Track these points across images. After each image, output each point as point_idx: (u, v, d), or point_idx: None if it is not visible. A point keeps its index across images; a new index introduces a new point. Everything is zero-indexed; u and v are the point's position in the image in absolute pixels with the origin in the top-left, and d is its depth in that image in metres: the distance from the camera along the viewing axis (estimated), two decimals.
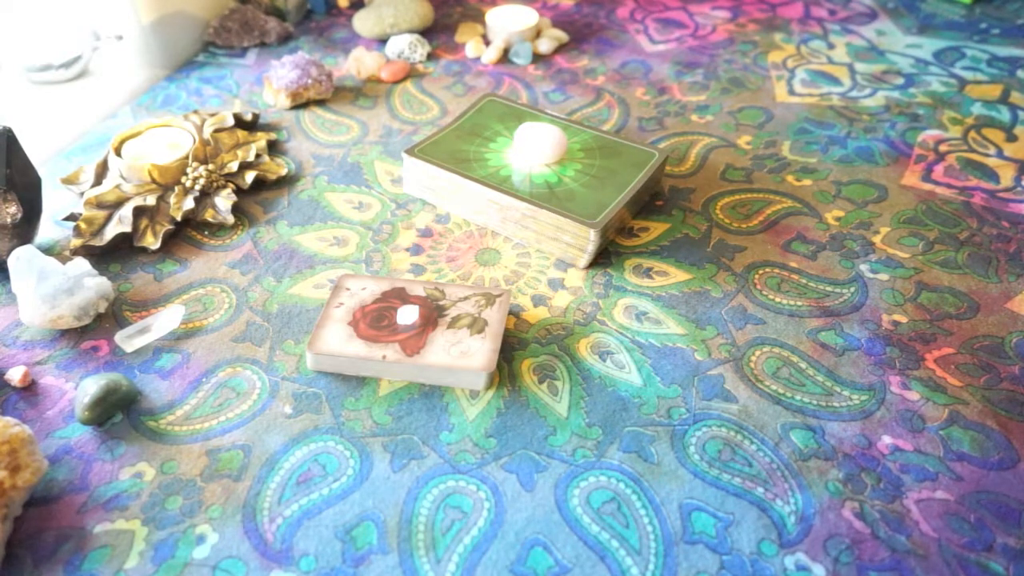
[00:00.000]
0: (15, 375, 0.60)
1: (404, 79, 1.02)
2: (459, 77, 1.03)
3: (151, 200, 0.75)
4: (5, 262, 0.69)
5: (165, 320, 0.65)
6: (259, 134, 0.88)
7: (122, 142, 0.81)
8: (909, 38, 1.15)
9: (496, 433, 0.58)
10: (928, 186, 0.84)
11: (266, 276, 0.71)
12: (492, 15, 1.11)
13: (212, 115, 0.87)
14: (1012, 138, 0.92)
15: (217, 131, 0.84)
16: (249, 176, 0.80)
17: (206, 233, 0.76)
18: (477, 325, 0.63)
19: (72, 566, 0.49)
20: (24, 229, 0.69)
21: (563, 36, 1.10)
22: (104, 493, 0.53)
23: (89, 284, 0.65)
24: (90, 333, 0.65)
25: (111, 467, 0.55)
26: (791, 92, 1.01)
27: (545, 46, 1.08)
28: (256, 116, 0.90)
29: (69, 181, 0.79)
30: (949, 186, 0.84)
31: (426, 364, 0.60)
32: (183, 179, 0.77)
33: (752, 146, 0.90)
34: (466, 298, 0.66)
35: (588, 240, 0.70)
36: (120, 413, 0.58)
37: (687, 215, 0.80)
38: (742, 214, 0.80)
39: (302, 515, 0.52)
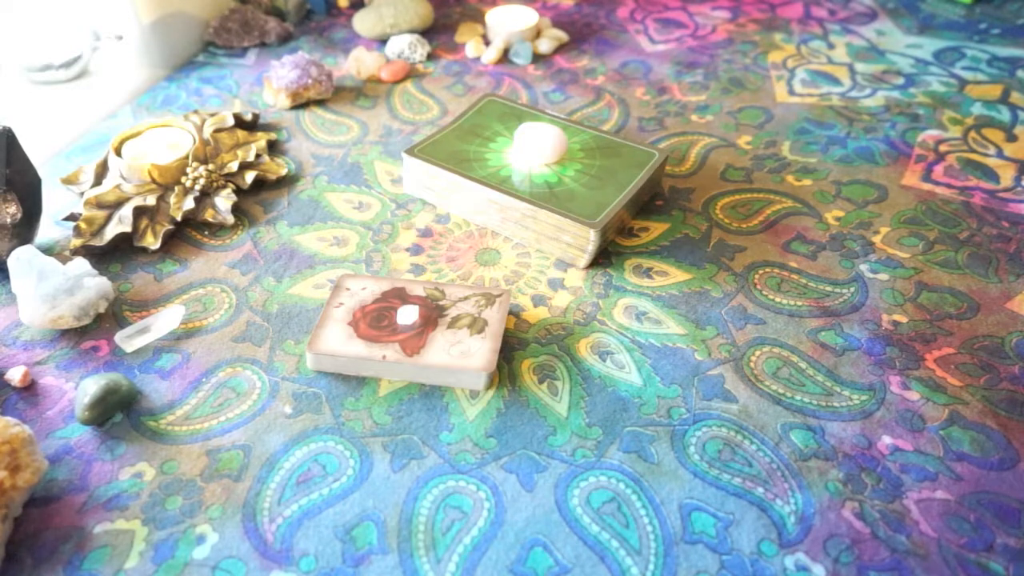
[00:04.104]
0: (15, 375, 0.60)
1: (404, 79, 1.02)
2: (459, 77, 1.03)
3: (151, 200, 0.75)
4: (5, 262, 0.69)
5: (165, 320, 0.65)
6: (259, 134, 0.88)
7: (122, 142, 0.81)
8: (909, 38, 1.15)
9: (496, 433, 0.58)
10: (928, 186, 0.84)
11: (266, 276, 0.71)
12: (492, 15, 1.11)
13: (212, 115, 0.87)
14: (1012, 138, 0.92)
15: (217, 131, 0.84)
16: (249, 176, 0.80)
17: (206, 233, 0.76)
18: (477, 325, 0.63)
19: (72, 566, 0.49)
20: (24, 229, 0.69)
21: (563, 36, 1.10)
22: (104, 493, 0.53)
23: (89, 284, 0.65)
24: (90, 333, 0.65)
25: (111, 467, 0.55)
26: (791, 92, 1.01)
27: (545, 46, 1.08)
28: (256, 116, 0.90)
29: (69, 181, 0.79)
30: (949, 186, 0.84)
31: (426, 364, 0.60)
32: (183, 179, 0.77)
33: (752, 146, 0.90)
34: (466, 298, 0.66)
35: (588, 240, 0.70)
36: (120, 413, 0.58)
37: (687, 215, 0.80)
38: (742, 214, 0.80)
39: (302, 515, 0.52)
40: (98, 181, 0.79)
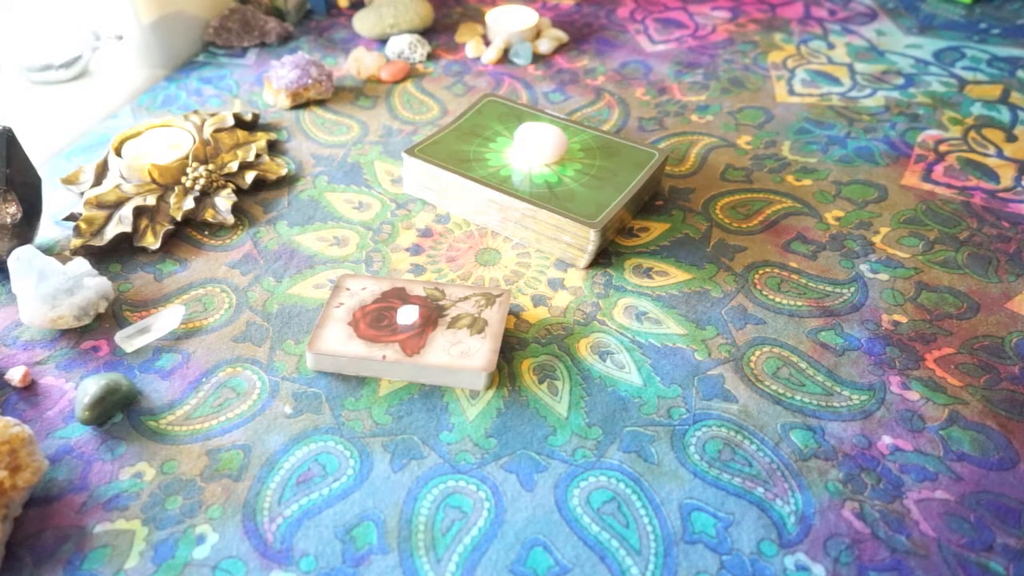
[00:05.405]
0: (15, 375, 0.60)
1: (404, 79, 1.02)
2: (459, 77, 1.03)
3: (151, 200, 0.75)
4: (5, 262, 0.69)
5: (165, 320, 0.65)
6: (259, 134, 0.88)
7: (122, 142, 0.81)
8: (909, 38, 1.15)
9: (496, 433, 0.58)
10: (928, 186, 0.84)
11: (266, 276, 0.71)
12: (492, 15, 1.11)
13: (212, 115, 0.87)
14: (1012, 138, 0.92)
15: (217, 131, 0.84)
16: (249, 176, 0.80)
17: (206, 233, 0.76)
18: (477, 325, 0.63)
19: (72, 566, 0.49)
20: (24, 229, 0.69)
21: (563, 36, 1.10)
22: (104, 493, 0.53)
23: (89, 284, 0.65)
24: (90, 333, 0.65)
25: (111, 467, 0.55)
26: (791, 92, 1.01)
27: (545, 46, 1.08)
28: (256, 116, 0.90)
29: (69, 181, 0.79)
30: (949, 186, 0.84)
31: (426, 364, 0.60)
32: (183, 179, 0.77)
33: (752, 146, 0.90)
34: (466, 298, 0.66)
35: (588, 240, 0.70)
36: (120, 413, 0.59)
37: (687, 215, 0.80)
38: (742, 214, 0.80)
39: (302, 515, 0.52)
40: (98, 181, 0.79)
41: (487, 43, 1.11)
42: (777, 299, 0.70)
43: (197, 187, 0.77)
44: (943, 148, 0.90)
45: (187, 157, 0.79)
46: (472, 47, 1.07)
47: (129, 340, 0.63)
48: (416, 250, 0.75)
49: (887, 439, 0.58)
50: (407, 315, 0.63)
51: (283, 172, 0.83)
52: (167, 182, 0.77)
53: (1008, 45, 1.13)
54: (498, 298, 0.66)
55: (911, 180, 0.85)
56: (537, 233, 0.74)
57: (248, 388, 0.61)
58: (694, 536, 0.51)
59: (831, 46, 1.12)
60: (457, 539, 0.51)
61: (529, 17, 1.10)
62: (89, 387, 0.57)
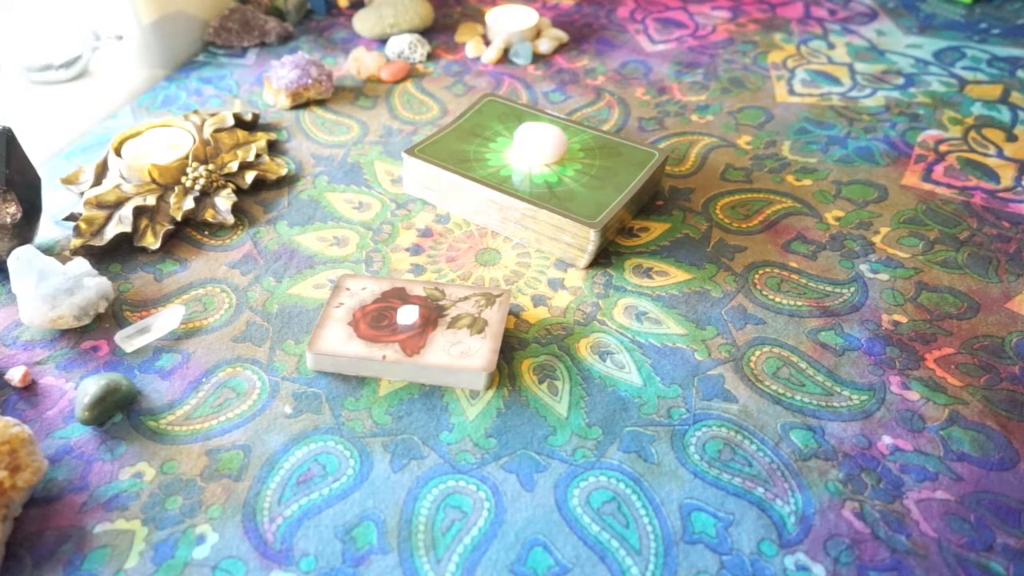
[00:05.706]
0: (15, 375, 0.60)
1: (404, 79, 1.02)
2: (459, 77, 1.03)
3: (151, 200, 0.75)
4: (5, 262, 0.69)
5: (165, 320, 0.65)
6: (259, 134, 0.88)
7: (122, 142, 0.81)
8: (909, 38, 1.15)
9: (496, 433, 0.58)
10: (928, 186, 0.84)
11: (266, 276, 0.71)
12: (492, 15, 1.11)
13: (212, 115, 0.87)
14: (1012, 138, 0.92)
15: (217, 131, 0.84)
16: (249, 176, 0.80)
17: (206, 233, 0.76)
18: (477, 325, 0.63)
19: (72, 566, 0.49)
20: (24, 229, 0.69)
21: (563, 36, 1.10)
22: (104, 493, 0.53)
23: (89, 284, 0.65)
24: (90, 333, 0.65)
25: (111, 467, 0.55)
26: (791, 92, 1.01)
27: (545, 46, 1.08)
28: (256, 116, 0.90)
29: (69, 181, 0.79)
30: (949, 186, 0.84)
31: (426, 364, 0.60)
32: (183, 179, 0.77)
33: (752, 146, 0.90)
34: (466, 298, 0.66)
35: (588, 240, 0.70)
36: (120, 413, 0.59)
37: (687, 215, 0.80)
38: (742, 214, 0.80)
39: (302, 515, 0.52)
40: (98, 181, 0.79)
41: (487, 43, 1.11)
42: (777, 299, 0.70)
43: (197, 187, 0.77)
44: (943, 148, 0.90)
45: (187, 157, 0.79)
46: (472, 47, 1.07)
47: (129, 340, 0.63)
48: (416, 250, 0.75)
49: (887, 439, 0.58)
50: (407, 315, 0.63)
51: (283, 172, 0.83)
52: (167, 182, 0.77)
53: (1008, 45, 1.13)
54: (498, 298, 0.66)
55: (911, 180, 0.85)
56: (537, 233, 0.74)
57: (248, 388, 0.61)
58: (694, 536, 0.52)
59: (831, 46, 1.12)
60: (457, 539, 0.51)
61: (529, 17, 1.10)
62: (89, 387, 0.57)
